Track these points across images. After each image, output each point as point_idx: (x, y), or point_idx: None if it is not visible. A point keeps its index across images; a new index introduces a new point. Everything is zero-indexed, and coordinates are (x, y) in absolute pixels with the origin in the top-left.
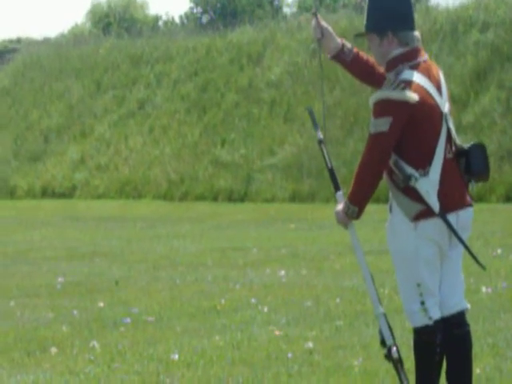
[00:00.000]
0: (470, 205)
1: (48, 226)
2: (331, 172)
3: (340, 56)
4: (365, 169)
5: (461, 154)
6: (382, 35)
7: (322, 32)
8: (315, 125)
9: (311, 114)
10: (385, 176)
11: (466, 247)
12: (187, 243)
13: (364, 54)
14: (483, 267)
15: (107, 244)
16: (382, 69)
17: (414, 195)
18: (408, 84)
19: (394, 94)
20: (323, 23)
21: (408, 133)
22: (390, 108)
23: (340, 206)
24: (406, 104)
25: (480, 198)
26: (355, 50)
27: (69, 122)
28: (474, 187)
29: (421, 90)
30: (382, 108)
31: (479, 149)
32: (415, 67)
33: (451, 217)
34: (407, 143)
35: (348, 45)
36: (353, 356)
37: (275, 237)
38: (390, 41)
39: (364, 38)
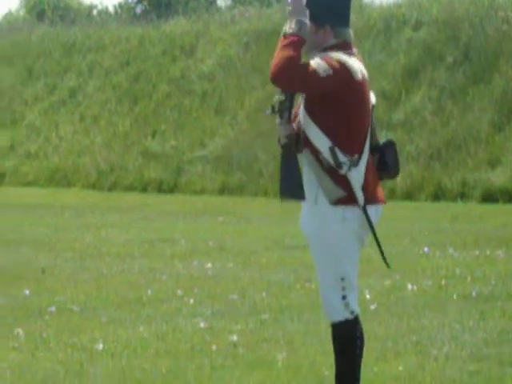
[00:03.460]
0: (384, 202)
1: None
2: None
3: None
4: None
5: (374, 149)
6: (318, 26)
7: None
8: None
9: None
10: (308, 156)
11: (378, 243)
12: (115, 233)
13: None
14: (388, 265)
15: (35, 231)
16: None
17: (339, 179)
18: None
19: (346, 59)
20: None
21: (344, 117)
22: (336, 65)
23: None
24: (349, 74)
25: (409, 196)
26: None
27: None
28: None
29: (361, 74)
30: (331, 60)
31: (392, 146)
32: (352, 56)
33: (371, 209)
34: (343, 129)
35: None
36: (277, 350)
37: (203, 229)
38: (326, 32)
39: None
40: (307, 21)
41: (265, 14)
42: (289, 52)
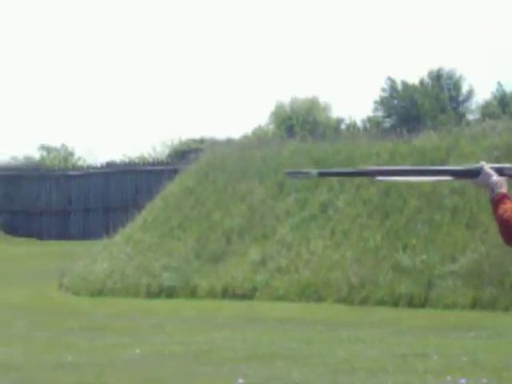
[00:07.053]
0: None
1: (228, 327)
2: None
3: None
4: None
5: None
6: None
7: None
8: None
9: None
10: None
11: None
12: (367, 348)
13: None
14: None
15: (287, 346)
16: None
17: None
18: None
19: None
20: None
21: None
22: None
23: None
24: None
25: None
26: None
27: (250, 224)
28: None
29: None
30: None
31: None
32: None
33: None
34: None
35: None
36: None
37: (455, 344)
38: None
39: None
40: (494, 178)
41: None
42: (500, 213)
